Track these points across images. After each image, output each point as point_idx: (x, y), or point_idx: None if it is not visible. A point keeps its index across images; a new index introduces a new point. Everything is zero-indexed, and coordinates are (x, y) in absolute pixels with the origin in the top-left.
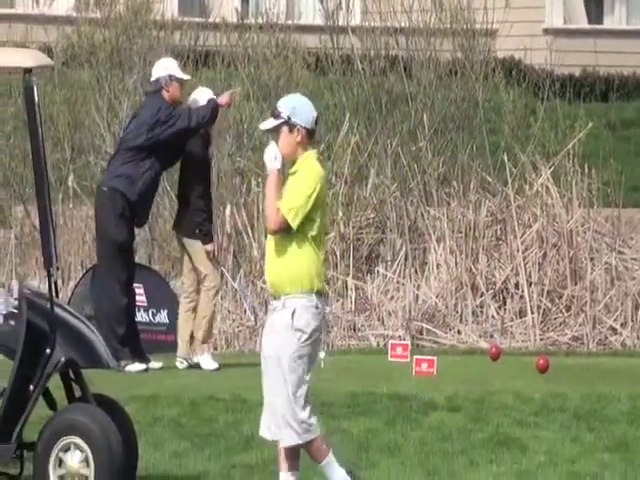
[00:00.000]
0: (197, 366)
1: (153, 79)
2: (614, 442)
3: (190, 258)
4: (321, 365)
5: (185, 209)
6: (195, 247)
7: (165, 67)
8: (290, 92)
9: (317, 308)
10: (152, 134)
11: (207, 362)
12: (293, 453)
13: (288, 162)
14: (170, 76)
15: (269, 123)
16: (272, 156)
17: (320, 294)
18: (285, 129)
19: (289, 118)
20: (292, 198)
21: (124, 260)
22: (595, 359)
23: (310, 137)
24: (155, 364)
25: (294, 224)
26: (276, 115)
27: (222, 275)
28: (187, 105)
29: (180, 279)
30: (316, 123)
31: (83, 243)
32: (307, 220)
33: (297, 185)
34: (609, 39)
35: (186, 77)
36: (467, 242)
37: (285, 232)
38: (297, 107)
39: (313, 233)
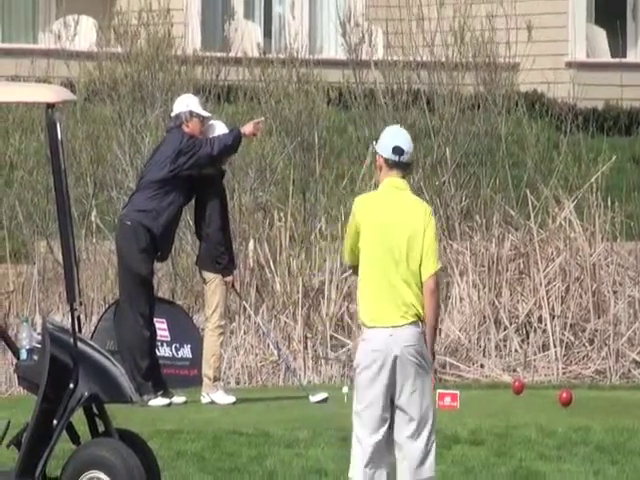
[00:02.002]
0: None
1: (173, 114)
2: (637, 475)
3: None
4: (344, 400)
5: (204, 243)
6: (212, 281)
7: (186, 103)
8: (312, 127)
9: (364, 340)
10: (175, 165)
11: (222, 398)
12: None
13: None
14: (191, 112)
15: None
16: None
17: (374, 327)
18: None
19: (374, 146)
20: None
21: (147, 294)
22: (618, 392)
23: (389, 166)
24: (178, 399)
25: (345, 259)
26: None
27: (244, 310)
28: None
29: (203, 313)
30: (395, 153)
31: (106, 278)
32: (359, 252)
33: None
34: (632, 72)
35: (207, 114)
36: (490, 276)
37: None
38: (381, 136)
39: (361, 263)
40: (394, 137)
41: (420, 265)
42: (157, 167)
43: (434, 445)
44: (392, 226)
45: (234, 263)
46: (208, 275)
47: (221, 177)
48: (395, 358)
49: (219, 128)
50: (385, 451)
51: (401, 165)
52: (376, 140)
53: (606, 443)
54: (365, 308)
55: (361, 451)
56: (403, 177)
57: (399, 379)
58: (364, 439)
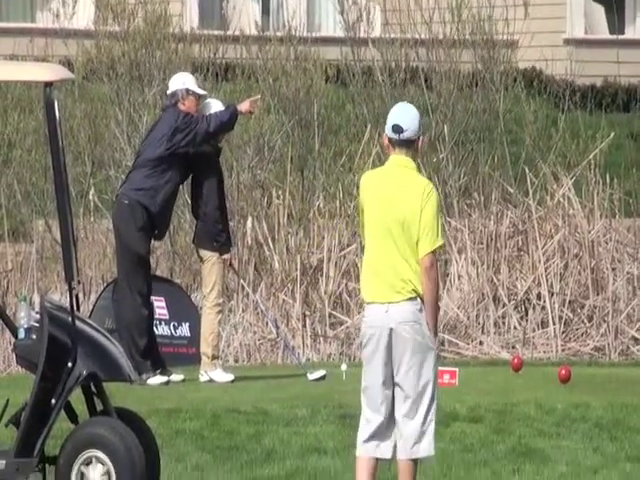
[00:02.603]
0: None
1: (169, 92)
2: (636, 452)
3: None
4: (343, 377)
5: (201, 222)
6: (210, 259)
7: (182, 81)
8: (310, 104)
9: (364, 317)
10: (172, 143)
11: (221, 376)
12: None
13: None
14: (187, 90)
15: None
16: None
17: (371, 303)
18: None
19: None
20: None
21: (144, 272)
22: (617, 369)
23: (392, 144)
24: (176, 377)
25: (362, 235)
26: None
27: (243, 288)
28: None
29: (201, 292)
30: (395, 131)
31: (104, 257)
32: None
33: None
34: (630, 49)
35: (203, 92)
36: (489, 253)
37: None
38: (388, 114)
39: (365, 240)
40: (395, 115)
41: (418, 242)
42: (154, 145)
43: (432, 424)
44: (391, 202)
45: (231, 241)
46: (205, 253)
47: (217, 155)
48: (390, 335)
49: (215, 106)
50: (389, 428)
51: (402, 143)
52: None
53: (605, 420)
54: (364, 284)
55: (364, 426)
56: (408, 154)
57: (396, 356)
58: (368, 415)
